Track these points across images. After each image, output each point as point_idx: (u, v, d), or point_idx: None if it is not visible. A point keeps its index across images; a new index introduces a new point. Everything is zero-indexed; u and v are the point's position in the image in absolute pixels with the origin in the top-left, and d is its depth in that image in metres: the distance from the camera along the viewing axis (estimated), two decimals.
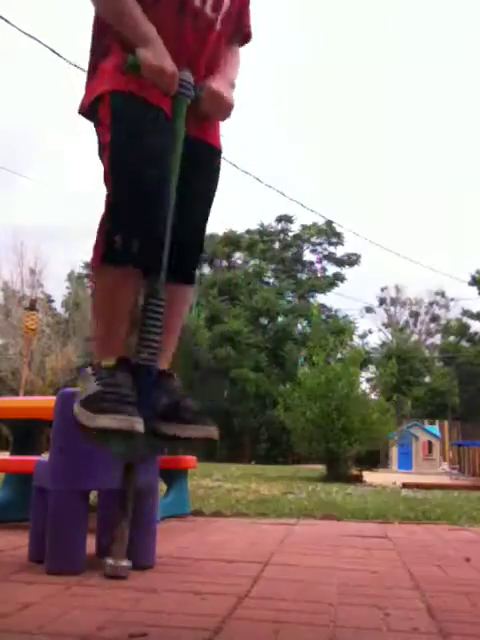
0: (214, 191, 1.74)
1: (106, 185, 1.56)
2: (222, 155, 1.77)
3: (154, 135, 1.52)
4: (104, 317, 1.58)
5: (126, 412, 1.40)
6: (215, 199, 1.75)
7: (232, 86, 1.68)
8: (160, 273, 1.54)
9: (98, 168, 1.66)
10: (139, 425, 1.40)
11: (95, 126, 1.62)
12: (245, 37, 1.83)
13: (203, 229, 1.77)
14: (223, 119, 1.68)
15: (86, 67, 1.72)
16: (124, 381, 1.48)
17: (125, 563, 1.58)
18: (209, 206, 1.74)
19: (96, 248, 1.56)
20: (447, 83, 58.29)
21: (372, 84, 52.83)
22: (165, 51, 1.52)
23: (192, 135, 1.62)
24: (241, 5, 1.76)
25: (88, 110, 1.62)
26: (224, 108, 1.63)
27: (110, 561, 1.59)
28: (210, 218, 1.77)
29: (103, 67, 1.59)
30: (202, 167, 1.67)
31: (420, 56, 55.28)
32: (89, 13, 1.79)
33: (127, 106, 1.55)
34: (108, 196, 1.56)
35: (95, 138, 1.61)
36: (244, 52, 1.86)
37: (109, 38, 1.59)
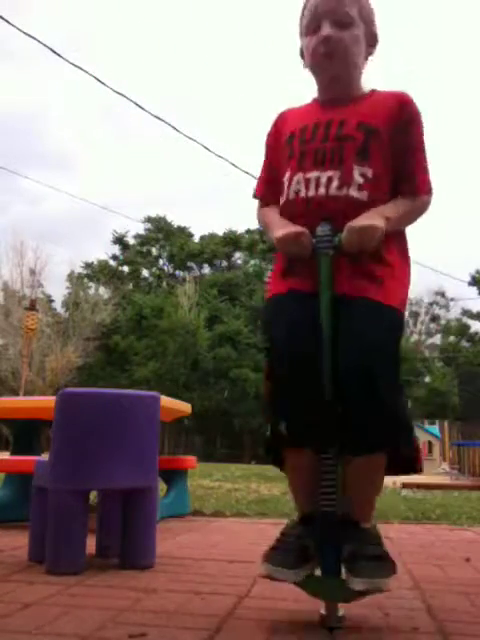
0: (376, 335, 1.51)
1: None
2: (390, 308, 1.55)
3: (297, 317, 1.55)
4: (291, 484, 1.66)
5: (279, 562, 1.45)
6: (390, 345, 1.54)
7: (385, 218, 1.54)
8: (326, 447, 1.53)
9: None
10: (283, 575, 1.45)
11: None
12: (419, 190, 1.66)
13: (369, 376, 1.46)
14: (368, 246, 1.52)
15: None
16: (300, 531, 1.53)
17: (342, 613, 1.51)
18: (375, 348, 1.49)
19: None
20: (447, 83, 58.33)
21: (372, 80, 52.74)
22: (290, 225, 1.59)
23: (345, 292, 1.54)
24: (403, 163, 1.64)
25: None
26: (364, 237, 1.50)
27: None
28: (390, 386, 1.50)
29: (271, 274, 1.72)
30: (355, 315, 1.53)
31: (420, 57, 55.34)
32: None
33: (274, 305, 1.64)
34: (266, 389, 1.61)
35: None
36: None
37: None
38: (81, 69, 8.75)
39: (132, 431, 2.09)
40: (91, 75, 8.94)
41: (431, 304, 41.48)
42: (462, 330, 39.30)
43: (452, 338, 39.45)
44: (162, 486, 3.45)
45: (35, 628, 1.34)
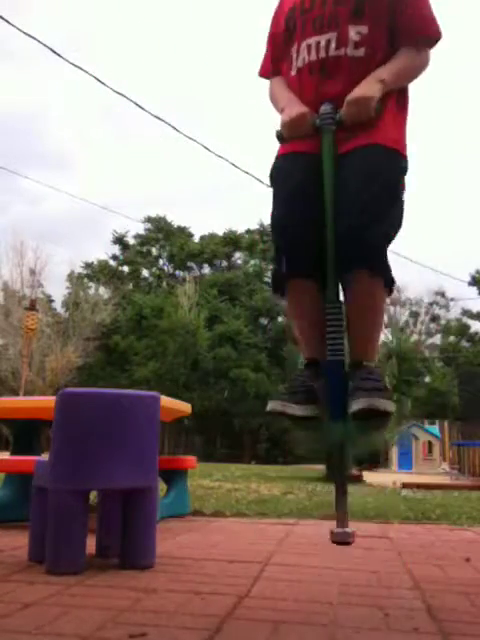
0: (374, 183, 1.65)
1: None
2: (382, 148, 1.69)
3: (293, 172, 1.73)
4: (296, 327, 1.78)
5: (287, 399, 1.56)
6: (382, 182, 1.67)
7: (381, 81, 1.65)
8: (326, 279, 1.66)
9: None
10: (290, 409, 1.54)
11: None
12: (424, 36, 1.73)
13: (361, 222, 1.61)
14: (366, 116, 1.63)
15: None
16: (307, 375, 1.66)
17: (350, 530, 1.64)
18: (370, 192, 1.63)
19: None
20: (448, 83, 58.35)
21: None
22: (295, 104, 1.71)
23: (347, 149, 1.69)
24: (400, 15, 1.72)
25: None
26: (361, 108, 1.62)
27: (337, 529, 1.63)
28: (382, 211, 1.65)
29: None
30: (356, 167, 1.67)
31: None
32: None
33: (276, 168, 1.80)
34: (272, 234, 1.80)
35: None
36: None
37: None
38: (81, 69, 8.75)
39: (132, 431, 2.09)
40: (91, 75, 8.94)
41: (431, 304, 41.45)
42: (462, 330, 39.29)
43: (452, 338, 39.43)
44: (162, 486, 3.45)
45: (35, 628, 1.34)
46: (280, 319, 35.73)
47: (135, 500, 2.09)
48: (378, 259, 1.66)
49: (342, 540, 1.61)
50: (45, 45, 8.19)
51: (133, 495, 2.09)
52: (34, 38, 8.00)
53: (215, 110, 58.30)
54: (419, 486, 7.70)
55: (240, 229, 39.77)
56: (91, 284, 35.00)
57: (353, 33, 1.70)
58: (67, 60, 8.52)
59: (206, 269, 39.89)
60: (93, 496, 2.52)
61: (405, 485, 8.38)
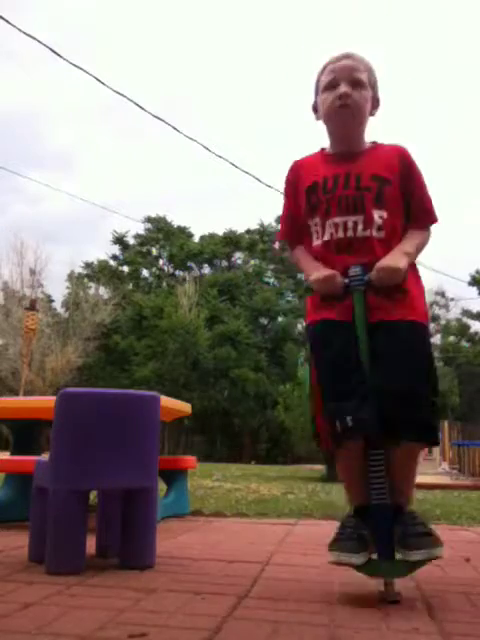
0: (411, 357, 1.85)
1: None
2: (415, 324, 1.90)
3: (334, 341, 1.89)
4: (345, 478, 1.96)
5: (345, 549, 1.73)
6: (423, 364, 1.88)
7: (406, 254, 1.91)
8: (372, 439, 1.82)
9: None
10: (352, 559, 1.72)
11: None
12: (428, 222, 2.04)
13: (406, 394, 1.81)
14: (394, 282, 1.86)
15: None
16: (356, 523, 1.83)
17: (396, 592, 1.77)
18: (412, 371, 1.83)
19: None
20: (448, 82, 58.35)
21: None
22: (323, 268, 1.92)
23: (378, 319, 1.88)
24: (411, 205, 1.99)
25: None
26: (391, 275, 1.85)
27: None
28: (424, 385, 1.87)
29: (307, 302, 2.06)
30: (389, 339, 1.86)
31: (421, 56, 55.35)
32: None
33: (316, 330, 1.98)
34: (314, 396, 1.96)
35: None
36: None
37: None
38: (81, 69, 8.75)
39: (132, 431, 2.09)
40: (91, 75, 8.94)
41: (431, 304, 41.44)
42: (462, 330, 39.27)
43: (452, 338, 39.41)
44: (162, 486, 3.45)
45: (35, 628, 1.34)
46: (280, 319, 35.74)
47: (135, 500, 2.09)
48: (427, 433, 1.86)
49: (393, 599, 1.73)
50: (45, 45, 8.20)
51: (133, 495, 2.09)
52: (34, 38, 8.01)
53: (215, 110, 58.28)
54: (419, 486, 7.69)
55: (240, 229, 39.77)
56: (91, 284, 34.99)
57: (377, 216, 1.93)
58: (67, 60, 8.53)
59: (206, 269, 39.88)
60: (93, 496, 2.52)
61: None
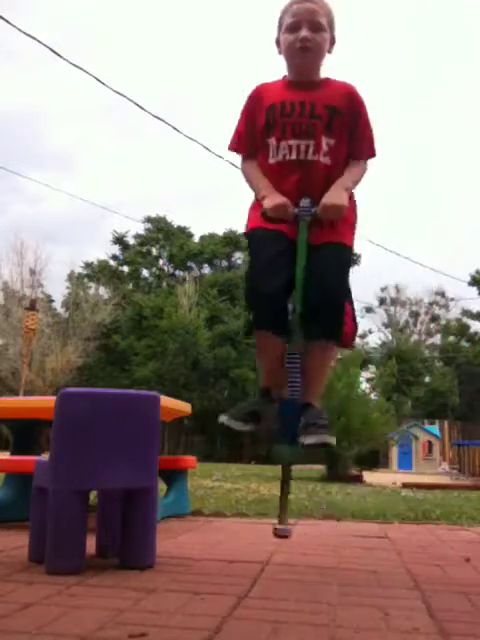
0: (336, 269, 2.15)
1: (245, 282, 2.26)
2: (343, 246, 2.19)
3: (270, 246, 2.14)
4: (259, 361, 2.27)
5: (236, 417, 2.06)
6: (343, 274, 2.19)
7: (347, 189, 2.15)
8: (291, 336, 2.13)
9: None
10: (234, 425, 2.04)
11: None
12: (369, 156, 2.28)
13: (329, 299, 2.10)
14: (337, 218, 2.12)
15: None
16: (257, 400, 2.17)
17: (289, 527, 2.14)
18: (335, 281, 2.14)
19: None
20: (449, 82, 58.31)
21: (372, 83, 52.79)
22: (277, 196, 2.13)
23: (319, 242, 2.12)
24: (355, 138, 2.21)
25: (245, 233, 2.36)
26: (335, 212, 2.09)
27: (279, 526, 2.14)
28: (342, 288, 2.18)
29: (250, 212, 2.29)
30: (322, 257, 2.13)
31: (420, 56, 55.30)
32: None
33: (257, 234, 2.21)
34: (245, 290, 2.25)
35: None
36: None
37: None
38: (81, 69, 8.76)
39: (132, 431, 2.09)
40: (91, 75, 8.95)
41: (431, 304, 41.45)
42: (462, 330, 39.28)
43: (452, 338, 39.42)
44: (162, 486, 3.45)
45: (35, 628, 1.34)
46: None
47: (135, 500, 2.09)
48: (339, 333, 2.15)
49: (283, 535, 2.10)
50: (45, 45, 8.20)
51: (133, 495, 2.09)
52: (34, 38, 8.01)
53: (215, 110, 58.24)
54: (419, 486, 7.70)
55: (240, 229, 39.73)
56: (91, 284, 34.98)
57: (324, 143, 2.15)
58: (67, 60, 8.53)
59: (206, 269, 39.88)
60: (93, 496, 2.52)
61: (405, 485, 8.39)
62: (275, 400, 2.16)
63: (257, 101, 2.25)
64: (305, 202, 2.11)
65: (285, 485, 2.17)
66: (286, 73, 2.28)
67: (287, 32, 2.20)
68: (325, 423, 2.08)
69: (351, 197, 2.23)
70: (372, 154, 2.27)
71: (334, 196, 2.10)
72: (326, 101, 2.17)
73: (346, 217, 2.17)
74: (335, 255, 2.17)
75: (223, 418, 2.08)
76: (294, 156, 2.15)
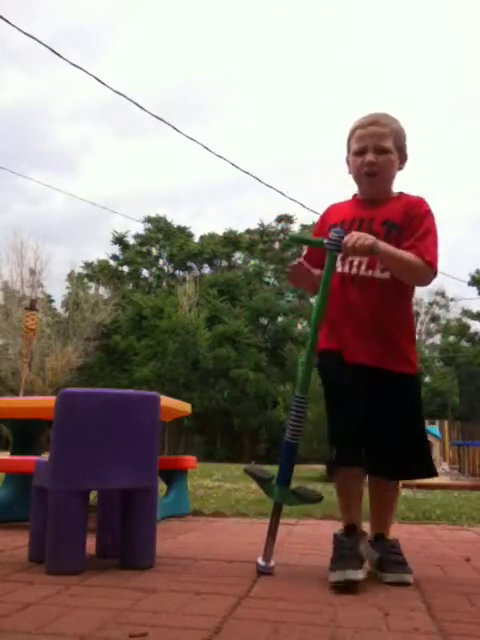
0: (406, 407, 2.14)
1: None
2: (408, 376, 2.15)
3: (340, 379, 2.12)
4: (340, 500, 2.17)
5: (349, 567, 1.87)
6: (414, 412, 2.18)
7: (387, 250, 2.03)
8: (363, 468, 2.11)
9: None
10: (352, 575, 1.84)
11: None
12: (424, 260, 2.09)
13: (403, 439, 2.11)
14: (362, 252, 2.01)
15: None
16: (350, 541, 2.02)
17: (272, 564, 2.04)
18: (406, 422, 2.13)
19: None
20: (449, 82, 58.33)
21: (370, 82, 52.85)
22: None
23: (371, 364, 2.09)
24: (413, 240, 2.10)
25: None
26: (357, 240, 1.99)
27: (260, 562, 2.04)
28: (418, 427, 2.20)
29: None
30: (385, 391, 2.10)
31: (419, 56, 55.32)
32: None
33: (321, 364, 2.21)
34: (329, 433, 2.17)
35: None
36: None
37: None
38: (81, 69, 8.76)
39: (132, 431, 2.09)
40: (91, 75, 8.95)
41: (431, 304, 41.45)
42: (462, 330, 39.29)
43: (452, 338, 39.43)
44: (162, 486, 3.45)
45: (35, 628, 1.34)
46: (280, 319, 35.72)
47: (135, 500, 2.09)
48: (417, 477, 2.25)
49: (264, 572, 2.00)
50: (45, 45, 8.20)
51: (133, 495, 2.09)
52: (34, 38, 8.01)
53: (216, 110, 58.26)
54: (419, 486, 7.69)
55: (240, 229, 39.81)
56: (91, 284, 35.01)
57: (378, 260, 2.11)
58: (67, 60, 8.53)
59: (206, 269, 39.91)
60: (93, 496, 2.52)
61: (405, 485, 8.37)
62: (364, 534, 2.10)
63: (324, 222, 2.30)
64: (336, 233, 2.06)
65: (274, 524, 2.09)
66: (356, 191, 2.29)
67: (354, 156, 2.21)
68: (403, 560, 2.04)
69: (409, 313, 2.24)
70: (425, 259, 2.08)
71: (364, 235, 2.03)
72: (386, 216, 2.16)
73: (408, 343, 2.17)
74: (400, 387, 2.12)
75: (339, 577, 1.86)
76: (347, 269, 2.15)
